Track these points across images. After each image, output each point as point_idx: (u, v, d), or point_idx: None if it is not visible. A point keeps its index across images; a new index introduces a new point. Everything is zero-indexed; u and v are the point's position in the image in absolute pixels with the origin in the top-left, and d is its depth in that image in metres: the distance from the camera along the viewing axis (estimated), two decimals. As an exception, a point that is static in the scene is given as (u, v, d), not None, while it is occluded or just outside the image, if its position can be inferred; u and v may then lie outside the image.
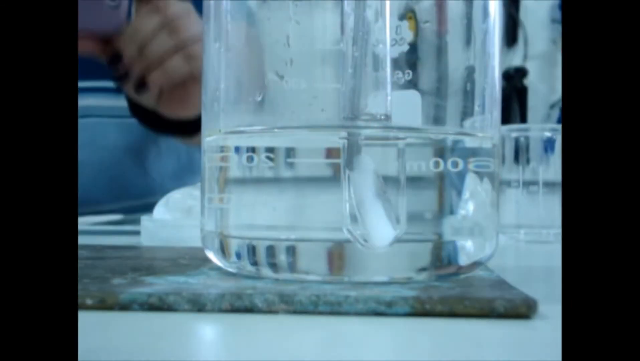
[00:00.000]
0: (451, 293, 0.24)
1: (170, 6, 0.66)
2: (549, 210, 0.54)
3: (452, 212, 0.28)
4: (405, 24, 0.27)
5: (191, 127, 0.75)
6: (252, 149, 0.28)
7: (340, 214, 0.26)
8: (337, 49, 0.27)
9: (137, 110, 0.75)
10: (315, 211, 0.27)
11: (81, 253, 0.36)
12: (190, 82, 0.68)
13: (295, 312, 0.24)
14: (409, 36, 0.27)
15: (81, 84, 0.73)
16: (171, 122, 0.74)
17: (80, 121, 0.80)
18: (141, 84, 0.67)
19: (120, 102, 0.76)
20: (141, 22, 0.65)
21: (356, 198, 0.26)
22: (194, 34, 0.66)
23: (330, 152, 0.27)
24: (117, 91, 0.70)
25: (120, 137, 0.81)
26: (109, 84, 0.74)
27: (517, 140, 0.56)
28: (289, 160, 0.27)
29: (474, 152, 0.28)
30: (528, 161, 0.55)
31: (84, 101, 0.79)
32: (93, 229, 0.59)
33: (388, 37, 0.27)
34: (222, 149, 0.29)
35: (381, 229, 0.26)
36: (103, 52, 0.66)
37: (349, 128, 0.27)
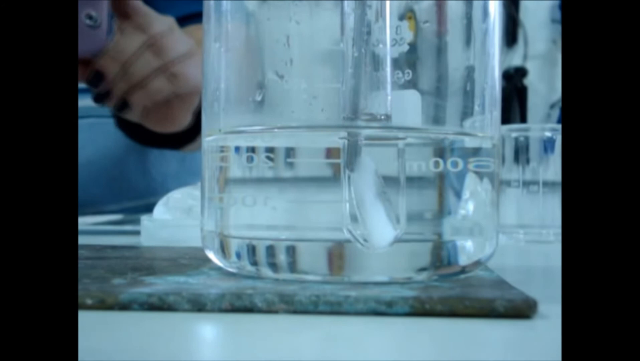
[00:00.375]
0: (451, 293, 0.24)
1: (154, 25, 0.64)
2: (549, 210, 0.54)
3: (452, 212, 0.28)
4: (405, 24, 0.27)
5: (178, 140, 0.74)
6: (252, 149, 0.28)
7: (340, 214, 0.26)
8: (337, 49, 0.27)
9: (122, 123, 0.74)
10: (315, 211, 0.27)
11: (81, 253, 0.36)
12: (175, 100, 0.67)
13: (295, 312, 0.24)
14: (409, 36, 0.27)
15: (82, 85, 0.73)
16: (156, 135, 0.73)
17: (80, 122, 0.80)
18: (123, 104, 0.65)
19: None
20: (125, 41, 0.63)
21: (356, 198, 0.26)
22: (178, 53, 0.65)
23: (330, 152, 0.27)
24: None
25: (120, 137, 0.80)
26: None
27: (517, 140, 0.56)
28: (289, 160, 0.27)
29: (474, 152, 0.28)
30: (528, 161, 0.55)
31: (84, 102, 0.79)
32: (93, 229, 0.59)
33: (388, 37, 0.27)
34: (222, 149, 0.29)
35: (381, 229, 0.26)
36: (82, 73, 0.64)
37: (349, 128, 0.27)
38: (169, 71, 0.64)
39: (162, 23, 0.65)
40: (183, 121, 0.70)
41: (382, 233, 0.26)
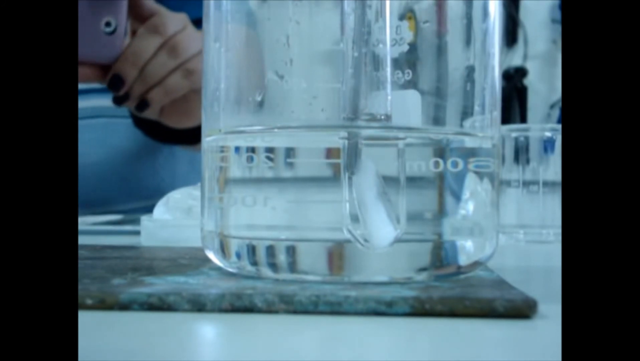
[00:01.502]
0: (451, 293, 0.24)
1: (169, 25, 0.65)
2: (549, 210, 0.54)
3: (452, 212, 0.28)
4: (405, 24, 0.27)
5: (195, 136, 0.75)
6: (252, 149, 0.28)
7: (340, 214, 0.26)
8: (337, 49, 0.27)
9: (140, 122, 0.75)
10: (315, 211, 0.27)
11: (81, 253, 0.36)
12: (191, 95, 0.68)
13: (295, 312, 0.24)
14: (409, 36, 0.27)
15: (92, 85, 0.73)
16: (175, 131, 0.74)
17: (91, 122, 0.80)
18: (142, 103, 0.66)
19: None
20: (142, 44, 0.64)
21: (357, 199, 0.26)
22: (193, 50, 0.66)
23: (330, 152, 0.27)
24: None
25: (131, 137, 0.81)
26: None
27: (517, 140, 0.56)
28: (289, 160, 0.27)
29: (474, 152, 0.28)
30: (528, 161, 0.55)
31: (94, 102, 0.79)
32: (93, 229, 0.59)
33: (388, 37, 0.27)
34: (222, 149, 0.29)
35: (382, 229, 0.26)
36: (102, 78, 0.65)
37: (349, 128, 0.27)
38: (184, 67, 0.65)
39: (176, 22, 0.66)
40: (200, 116, 0.72)
41: (382, 233, 0.26)
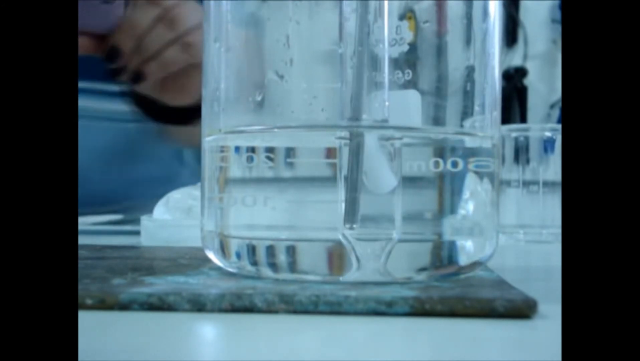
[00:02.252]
0: (451, 293, 0.24)
1: None
2: (549, 210, 0.54)
3: (452, 212, 0.28)
4: (405, 24, 0.27)
5: (192, 114, 0.74)
6: (252, 149, 0.28)
7: (340, 215, 0.26)
8: (337, 49, 0.27)
9: (138, 100, 0.74)
10: (315, 211, 0.27)
11: (81, 253, 0.36)
12: (191, 70, 0.67)
13: (295, 312, 0.24)
14: (409, 36, 0.27)
15: (87, 85, 0.73)
16: (172, 110, 0.73)
17: (82, 123, 0.80)
18: (137, 76, 0.66)
19: (110, 105, 0.76)
20: (138, 15, 0.63)
21: (366, 156, 0.26)
22: (192, 23, 0.65)
23: (330, 152, 0.27)
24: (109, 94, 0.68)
25: (110, 139, 0.80)
26: (101, 86, 0.74)
27: (517, 140, 0.56)
28: (289, 160, 0.27)
29: (474, 152, 0.28)
30: (528, 161, 0.55)
31: (90, 104, 0.79)
32: (93, 229, 0.59)
33: (387, 37, 0.27)
34: (222, 149, 0.29)
35: (385, 177, 0.26)
36: (99, 49, 0.64)
37: (349, 128, 0.27)
38: (182, 41, 0.64)
39: None
40: (200, 92, 0.71)
41: (385, 180, 0.26)
